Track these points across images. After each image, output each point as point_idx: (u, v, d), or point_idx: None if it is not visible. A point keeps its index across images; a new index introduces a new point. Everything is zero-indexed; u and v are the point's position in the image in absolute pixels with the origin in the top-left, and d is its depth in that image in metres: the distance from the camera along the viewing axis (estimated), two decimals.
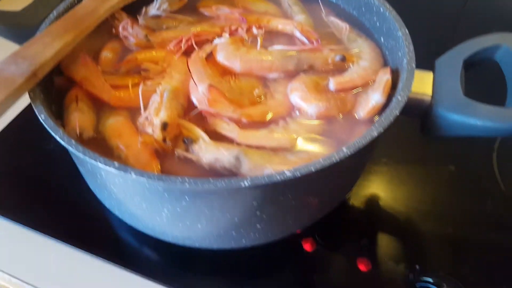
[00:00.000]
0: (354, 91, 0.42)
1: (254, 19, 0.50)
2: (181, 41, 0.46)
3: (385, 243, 0.46)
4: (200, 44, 0.46)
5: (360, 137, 0.33)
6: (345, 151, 0.32)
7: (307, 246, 0.45)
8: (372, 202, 0.50)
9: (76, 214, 0.48)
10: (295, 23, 0.48)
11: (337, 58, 0.44)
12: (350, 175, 0.43)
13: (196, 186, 0.29)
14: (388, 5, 0.45)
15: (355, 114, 0.41)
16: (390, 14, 0.44)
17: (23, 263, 0.45)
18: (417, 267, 0.44)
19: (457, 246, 0.46)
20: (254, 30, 0.48)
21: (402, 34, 0.41)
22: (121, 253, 0.45)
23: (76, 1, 0.46)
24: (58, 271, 0.44)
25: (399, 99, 0.36)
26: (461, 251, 0.46)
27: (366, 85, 0.43)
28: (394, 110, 0.35)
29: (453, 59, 0.39)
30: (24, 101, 0.36)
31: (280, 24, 0.49)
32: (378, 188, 0.51)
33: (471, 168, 0.53)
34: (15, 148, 0.54)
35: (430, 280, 0.41)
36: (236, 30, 0.48)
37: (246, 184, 0.30)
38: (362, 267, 0.44)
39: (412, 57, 0.39)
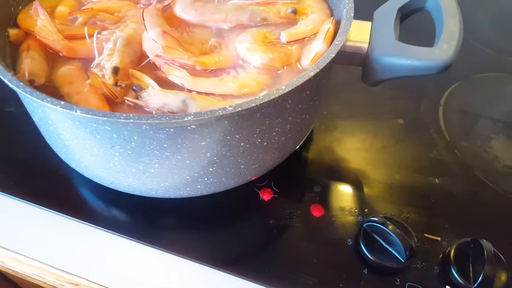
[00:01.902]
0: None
1: None
2: None
3: (336, 190, 0.49)
4: None
5: (299, 76, 0.35)
6: (284, 88, 0.34)
7: (265, 195, 0.48)
8: (325, 152, 0.53)
9: (36, 172, 0.49)
10: None
11: (289, 10, 0.46)
12: (298, 118, 0.45)
13: (140, 120, 0.31)
14: None
15: (301, 64, 0.43)
16: None
17: None
18: (366, 210, 0.47)
19: (403, 191, 0.49)
20: None
21: None
22: (82, 208, 0.46)
23: None
24: (21, 230, 0.45)
25: (336, 43, 0.38)
26: (407, 196, 0.48)
27: (315, 36, 0.44)
28: (331, 53, 0.37)
29: (389, 9, 0.41)
30: None
31: None
32: (332, 141, 0.54)
33: (419, 121, 0.56)
34: None
35: (376, 219, 0.43)
36: None
37: (189, 118, 0.31)
38: (316, 212, 0.47)
39: (351, 7, 0.41)
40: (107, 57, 0.39)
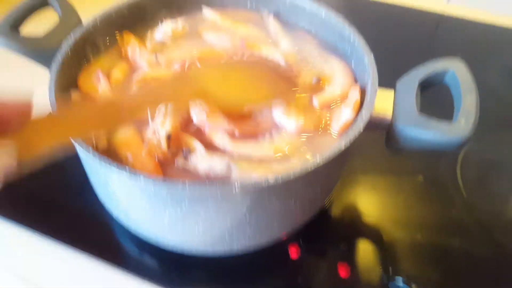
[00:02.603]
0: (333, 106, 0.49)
1: (251, 45, 0.57)
2: (184, 63, 0.52)
3: (361, 248, 0.52)
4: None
5: (330, 149, 0.39)
6: (318, 161, 0.38)
7: (293, 252, 0.51)
8: (350, 210, 0.56)
9: (83, 222, 0.53)
10: (280, 52, 0.55)
11: (314, 80, 0.51)
12: (327, 182, 0.49)
13: (195, 190, 0.35)
14: (357, 34, 0.52)
15: (331, 129, 0.47)
16: (359, 43, 0.51)
17: (31, 266, 0.50)
18: (390, 269, 0.49)
19: (425, 250, 0.52)
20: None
21: (367, 60, 0.48)
22: (123, 258, 0.51)
23: (91, 29, 0.53)
24: (64, 274, 0.50)
25: (363, 117, 0.42)
26: (428, 255, 0.51)
27: (343, 99, 0.49)
28: (358, 126, 0.41)
29: (411, 80, 0.46)
30: None
31: (268, 52, 0.56)
32: (355, 197, 0.57)
33: (438, 178, 0.59)
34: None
35: (401, 279, 0.46)
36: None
37: (236, 187, 0.36)
38: (342, 271, 0.49)
39: (375, 81, 0.46)
40: (160, 123, 0.44)
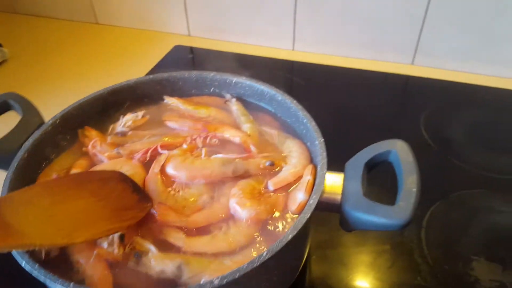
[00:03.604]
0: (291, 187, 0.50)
1: (212, 128, 0.59)
2: (147, 151, 0.54)
3: None
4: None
5: (278, 240, 0.40)
6: (265, 255, 0.39)
7: None
8: (319, 285, 0.56)
9: None
10: (240, 135, 0.57)
11: (267, 163, 0.52)
12: (286, 266, 0.49)
13: None
14: (309, 117, 0.54)
15: (289, 209, 0.48)
16: (311, 125, 0.53)
17: None
18: None
19: None
20: (207, 140, 0.57)
21: (319, 142, 0.50)
22: None
23: (50, 129, 0.55)
24: None
25: (311, 203, 0.44)
26: None
27: (298, 179, 0.51)
28: (306, 213, 0.43)
29: (357, 162, 0.48)
30: None
31: (229, 135, 0.58)
32: (324, 273, 0.57)
33: (404, 246, 0.59)
34: None
35: None
36: (195, 139, 0.57)
37: None
38: None
39: (324, 164, 0.47)
40: None
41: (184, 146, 0.56)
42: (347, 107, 0.87)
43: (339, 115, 0.84)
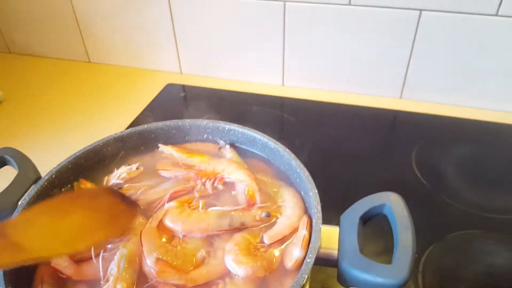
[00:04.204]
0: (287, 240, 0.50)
1: (205, 175, 0.59)
2: (161, 201, 0.55)
3: None
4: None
5: None
6: None
7: None
8: None
9: None
10: (247, 180, 0.57)
11: (263, 215, 0.52)
12: None
13: None
14: (302, 166, 0.55)
15: (285, 265, 0.48)
16: (304, 175, 0.54)
17: None
18: None
19: None
20: (210, 187, 0.57)
21: (313, 194, 0.51)
22: None
23: (46, 184, 0.55)
24: None
25: (308, 262, 0.44)
26: None
27: (294, 231, 0.51)
28: (304, 273, 0.43)
29: (352, 216, 0.48)
30: None
31: (235, 177, 0.58)
32: None
33: None
34: None
35: None
36: (204, 183, 0.57)
37: None
38: None
39: (319, 218, 0.48)
40: (112, 286, 0.45)
41: (196, 194, 0.56)
42: (338, 144, 0.88)
43: (330, 153, 0.85)
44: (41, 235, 0.42)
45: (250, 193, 0.56)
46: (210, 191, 0.57)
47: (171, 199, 0.55)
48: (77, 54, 1.20)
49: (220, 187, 0.57)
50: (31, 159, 0.58)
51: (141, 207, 0.55)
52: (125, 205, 0.50)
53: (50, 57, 1.24)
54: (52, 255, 0.43)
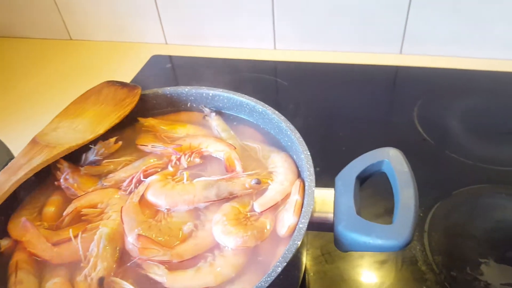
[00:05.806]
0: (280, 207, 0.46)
1: (187, 147, 0.55)
2: (132, 180, 0.51)
3: None
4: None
5: (266, 275, 0.36)
6: None
7: None
8: None
9: None
10: (224, 150, 0.53)
11: (253, 182, 0.48)
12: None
13: None
14: (292, 128, 0.50)
15: (278, 232, 0.45)
16: (295, 137, 0.49)
17: None
18: None
19: None
20: (184, 162, 0.53)
21: (304, 156, 0.47)
22: None
23: None
24: None
25: (300, 227, 0.40)
26: None
27: (287, 197, 0.47)
28: (296, 240, 0.39)
29: (348, 176, 0.44)
30: None
31: (213, 149, 0.54)
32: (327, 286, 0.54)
33: (407, 254, 0.55)
34: None
35: None
36: (179, 159, 0.53)
37: None
38: None
39: (312, 180, 0.44)
40: (92, 265, 0.41)
41: (170, 168, 0.52)
42: (335, 106, 0.83)
43: (326, 116, 0.80)
44: (67, 134, 0.53)
45: (229, 159, 0.52)
46: (185, 165, 0.52)
47: (144, 177, 0.51)
48: (57, 32, 1.14)
49: (197, 160, 0.53)
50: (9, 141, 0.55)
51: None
52: (126, 88, 0.59)
53: (31, 38, 1.18)
54: (80, 144, 0.52)
